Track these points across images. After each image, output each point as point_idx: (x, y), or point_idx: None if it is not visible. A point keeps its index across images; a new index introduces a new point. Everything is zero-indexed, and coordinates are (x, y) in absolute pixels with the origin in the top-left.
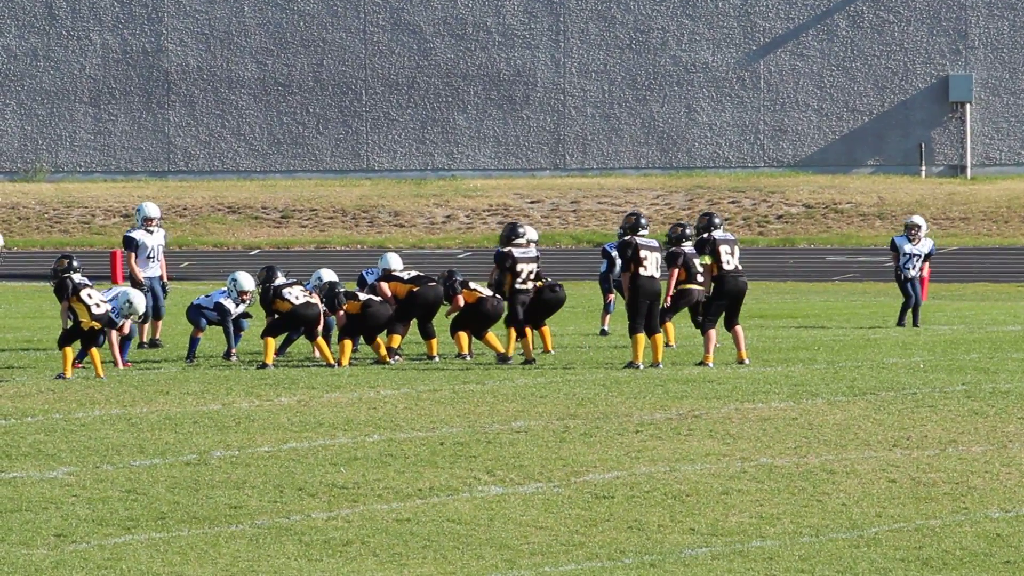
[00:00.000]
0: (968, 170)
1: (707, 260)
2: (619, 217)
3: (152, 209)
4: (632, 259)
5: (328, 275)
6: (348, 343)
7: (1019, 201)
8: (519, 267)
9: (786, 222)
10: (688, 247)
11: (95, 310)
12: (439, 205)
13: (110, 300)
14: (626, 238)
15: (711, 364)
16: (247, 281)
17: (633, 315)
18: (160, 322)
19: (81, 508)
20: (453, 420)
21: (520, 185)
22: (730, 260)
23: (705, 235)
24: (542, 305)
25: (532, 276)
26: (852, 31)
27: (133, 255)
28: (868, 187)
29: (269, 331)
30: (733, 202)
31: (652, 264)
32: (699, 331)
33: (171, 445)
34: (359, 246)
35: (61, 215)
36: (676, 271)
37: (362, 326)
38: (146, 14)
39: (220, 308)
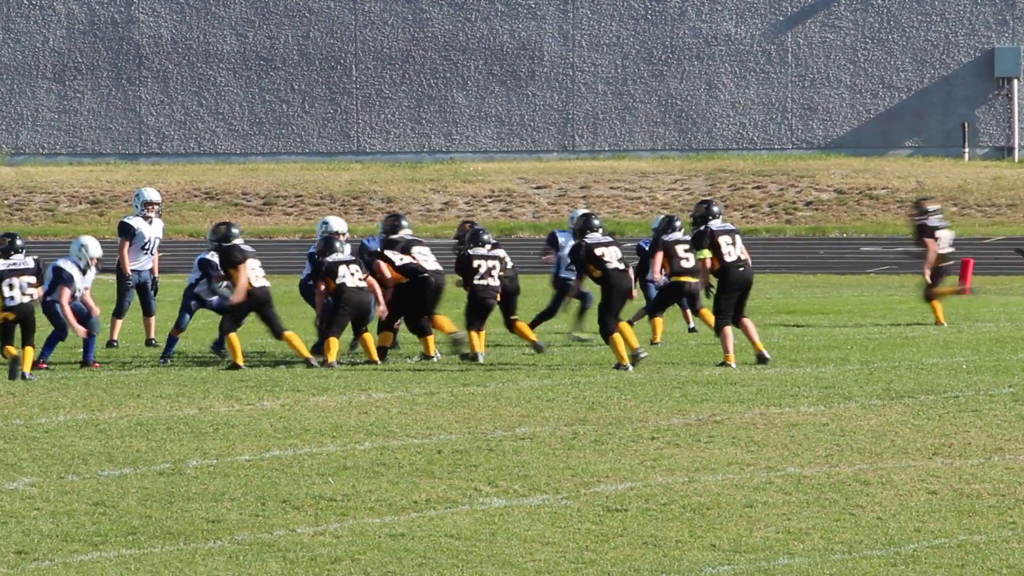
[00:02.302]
0: (1016, 152)
1: (706, 254)
2: (633, 204)
3: (153, 194)
4: (590, 261)
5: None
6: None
7: None
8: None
9: (816, 209)
10: (676, 236)
11: (8, 301)
12: (436, 191)
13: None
14: (576, 242)
15: (733, 364)
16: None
17: (606, 315)
18: (153, 319)
19: (44, 523)
20: (451, 426)
21: (525, 169)
22: (731, 251)
23: (702, 227)
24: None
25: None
26: (888, 0)
27: (127, 244)
28: (906, 171)
29: (329, 326)
30: (758, 187)
31: (613, 258)
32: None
33: (143, 453)
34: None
35: (22, 201)
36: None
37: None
38: None
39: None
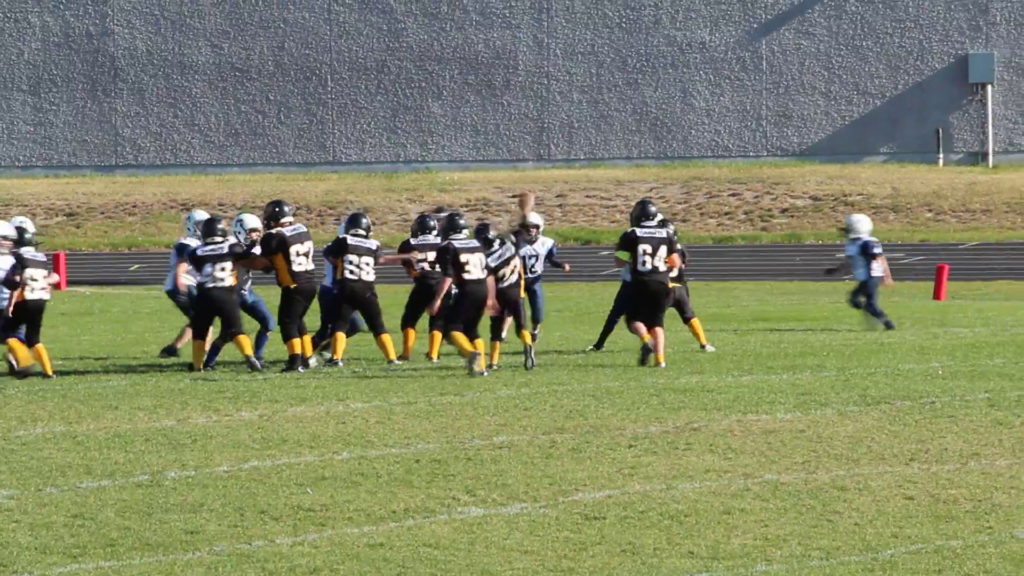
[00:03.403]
0: (990, 157)
1: (624, 256)
2: (609, 212)
3: (204, 216)
4: (453, 264)
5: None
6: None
7: None
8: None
9: (791, 216)
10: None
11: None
12: (412, 200)
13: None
14: (443, 244)
15: (662, 364)
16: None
17: (452, 319)
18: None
19: (23, 535)
20: (429, 435)
21: (501, 178)
22: (648, 261)
23: (629, 230)
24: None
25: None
26: (862, 6)
27: (183, 265)
28: (881, 177)
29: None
30: (733, 195)
31: (476, 267)
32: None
33: (121, 465)
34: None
35: None
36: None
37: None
38: None
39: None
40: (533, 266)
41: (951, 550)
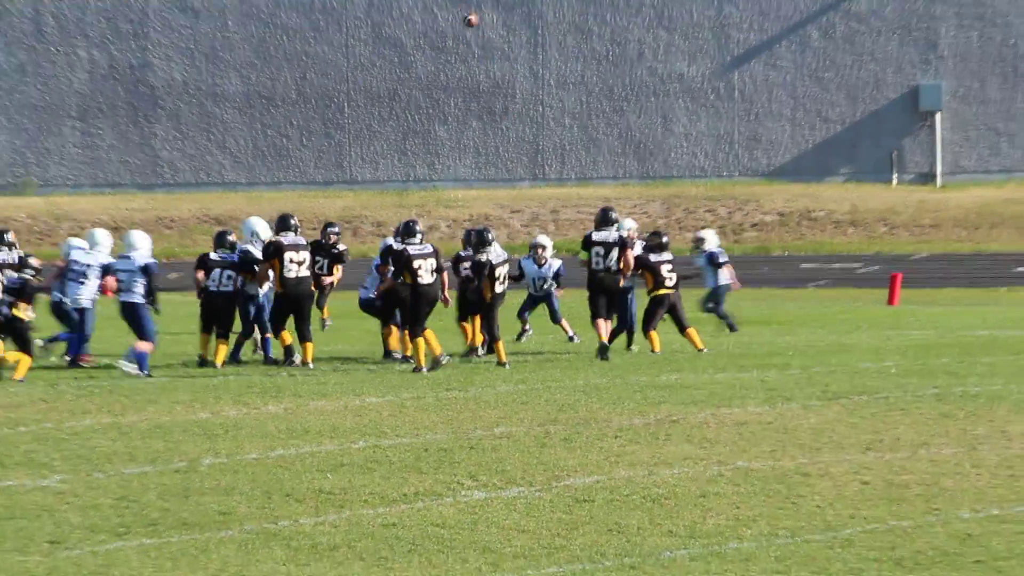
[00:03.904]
0: (938, 178)
1: (584, 256)
2: None
3: (261, 224)
4: (406, 268)
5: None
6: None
7: (988, 208)
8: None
9: (761, 230)
10: (662, 255)
11: None
12: (421, 215)
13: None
14: (397, 247)
15: (606, 342)
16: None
17: (413, 321)
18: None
19: (74, 515)
20: (437, 426)
21: (500, 195)
22: (599, 261)
23: (588, 233)
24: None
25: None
26: (824, 42)
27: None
28: (841, 195)
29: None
30: (709, 211)
31: (427, 271)
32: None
33: (161, 453)
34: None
35: (51, 228)
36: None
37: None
38: (132, 30)
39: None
40: (542, 287)
41: (903, 529)
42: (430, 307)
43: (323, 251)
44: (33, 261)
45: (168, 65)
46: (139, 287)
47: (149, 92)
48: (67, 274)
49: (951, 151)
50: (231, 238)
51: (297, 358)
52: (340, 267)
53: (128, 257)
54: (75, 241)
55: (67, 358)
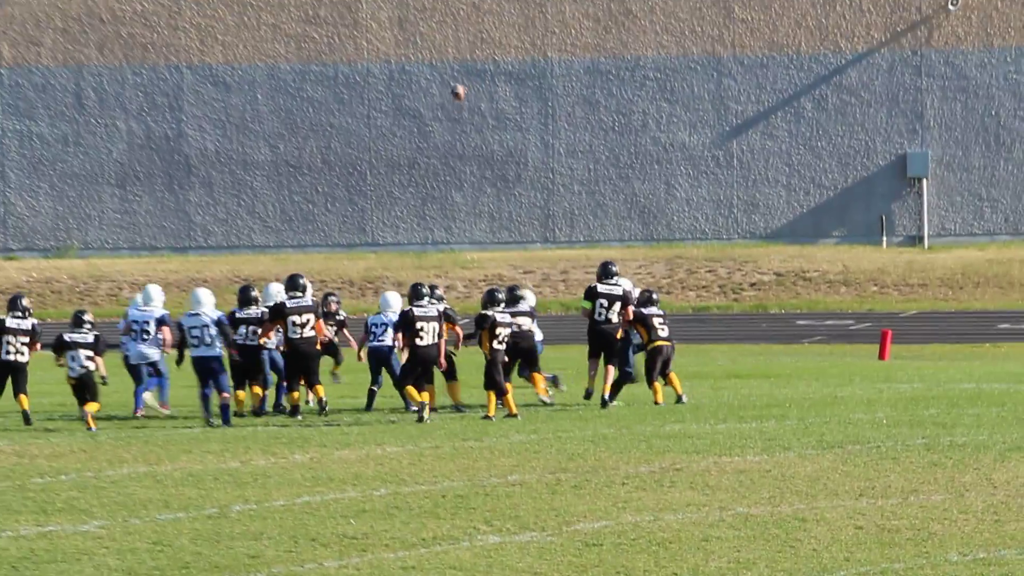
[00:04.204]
0: (925, 240)
1: (587, 305)
2: None
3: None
4: (409, 328)
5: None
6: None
7: (972, 269)
8: (497, 329)
9: (758, 289)
10: (652, 310)
11: (71, 373)
12: (439, 276)
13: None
14: (405, 310)
15: (592, 388)
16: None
17: (403, 375)
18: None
19: (111, 559)
20: (453, 474)
21: (513, 257)
22: (603, 313)
23: (591, 285)
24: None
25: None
26: (817, 113)
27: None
28: (834, 256)
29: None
30: (709, 271)
31: (428, 334)
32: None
33: (194, 500)
34: (365, 314)
35: (91, 288)
36: (638, 328)
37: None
38: (167, 102)
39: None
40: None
41: (895, 571)
42: (425, 367)
43: (327, 318)
44: (88, 317)
45: (201, 135)
46: (210, 340)
47: (183, 160)
48: (130, 332)
49: (937, 215)
50: (254, 294)
51: (311, 400)
52: (345, 330)
53: (197, 314)
54: (139, 298)
55: (162, 406)
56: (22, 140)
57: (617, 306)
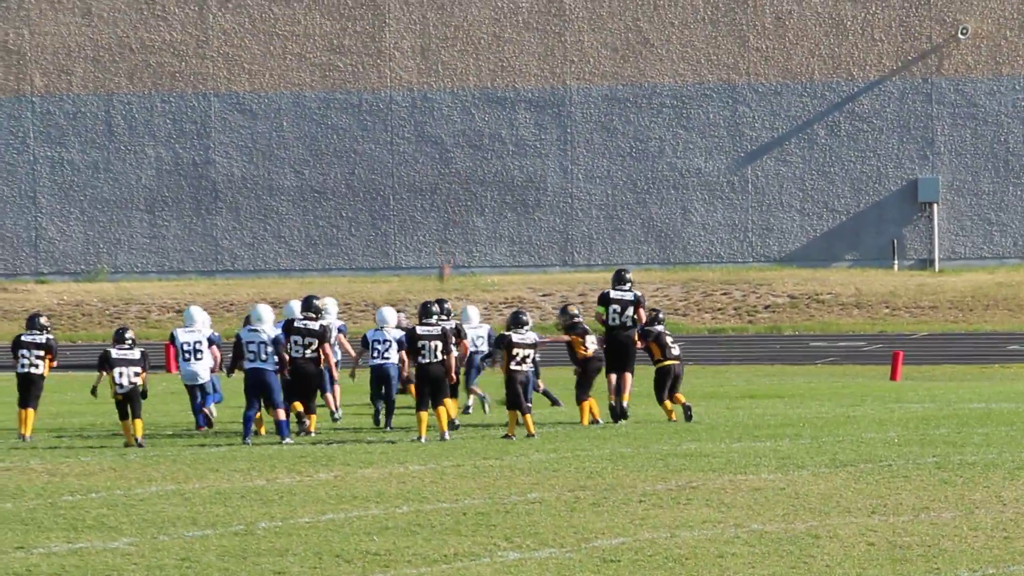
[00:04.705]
0: (936, 263)
1: (601, 310)
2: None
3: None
4: (411, 345)
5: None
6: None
7: (982, 291)
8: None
9: (773, 311)
10: (660, 328)
11: (119, 390)
12: (460, 299)
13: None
14: (410, 328)
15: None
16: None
17: (418, 399)
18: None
19: (140, 575)
20: (474, 492)
21: (533, 280)
22: (616, 318)
23: (604, 291)
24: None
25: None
26: (830, 139)
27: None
28: (846, 279)
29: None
30: (725, 293)
31: (429, 351)
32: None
33: (221, 517)
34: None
35: (120, 311)
36: (651, 346)
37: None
38: (195, 129)
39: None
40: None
41: None
42: (432, 384)
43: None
44: (129, 335)
45: (228, 162)
46: (266, 357)
47: (211, 186)
48: (180, 355)
49: (947, 239)
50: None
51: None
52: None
53: (256, 330)
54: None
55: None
56: (53, 167)
57: (630, 311)
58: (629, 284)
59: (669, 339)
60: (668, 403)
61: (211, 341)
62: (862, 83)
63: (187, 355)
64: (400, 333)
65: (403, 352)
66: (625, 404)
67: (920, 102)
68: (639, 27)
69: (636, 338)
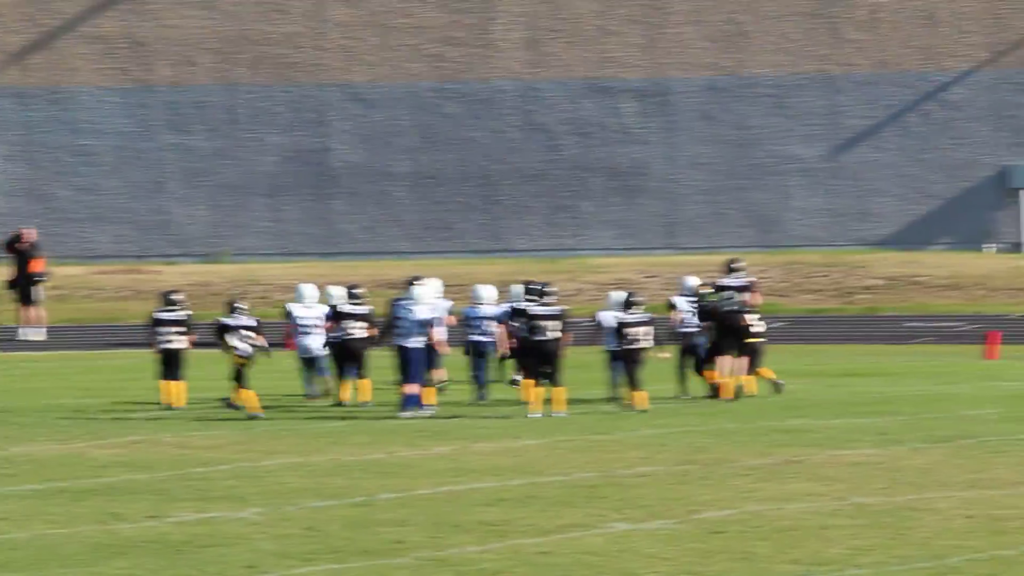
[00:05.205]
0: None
1: (715, 298)
2: None
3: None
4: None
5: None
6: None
7: None
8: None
9: (871, 293)
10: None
11: (241, 354)
12: (569, 280)
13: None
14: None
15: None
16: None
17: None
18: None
19: (267, 543)
20: (586, 466)
21: (638, 262)
22: (730, 304)
23: (718, 280)
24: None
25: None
26: (924, 127)
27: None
28: (941, 262)
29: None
30: (824, 275)
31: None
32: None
33: (343, 489)
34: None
35: (244, 292)
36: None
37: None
38: (314, 118)
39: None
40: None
41: (1004, 558)
42: (547, 362)
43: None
44: (242, 304)
45: (346, 149)
46: (415, 335)
47: (329, 172)
48: (296, 330)
49: None
50: (359, 291)
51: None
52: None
53: (410, 308)
54: (335, 291)
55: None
56: (180, 154)
57: (746, 295)
58: (743, 271)
59: (752, 317)
60: (753, 376)
61: (328, 317)
62: (954, 73)
63: (304, 330)
64: (497, 309)
65: (502, 327)
66: (740, 385)
67: (1011, 91)
68: (737, 20)
69: (744, 321)
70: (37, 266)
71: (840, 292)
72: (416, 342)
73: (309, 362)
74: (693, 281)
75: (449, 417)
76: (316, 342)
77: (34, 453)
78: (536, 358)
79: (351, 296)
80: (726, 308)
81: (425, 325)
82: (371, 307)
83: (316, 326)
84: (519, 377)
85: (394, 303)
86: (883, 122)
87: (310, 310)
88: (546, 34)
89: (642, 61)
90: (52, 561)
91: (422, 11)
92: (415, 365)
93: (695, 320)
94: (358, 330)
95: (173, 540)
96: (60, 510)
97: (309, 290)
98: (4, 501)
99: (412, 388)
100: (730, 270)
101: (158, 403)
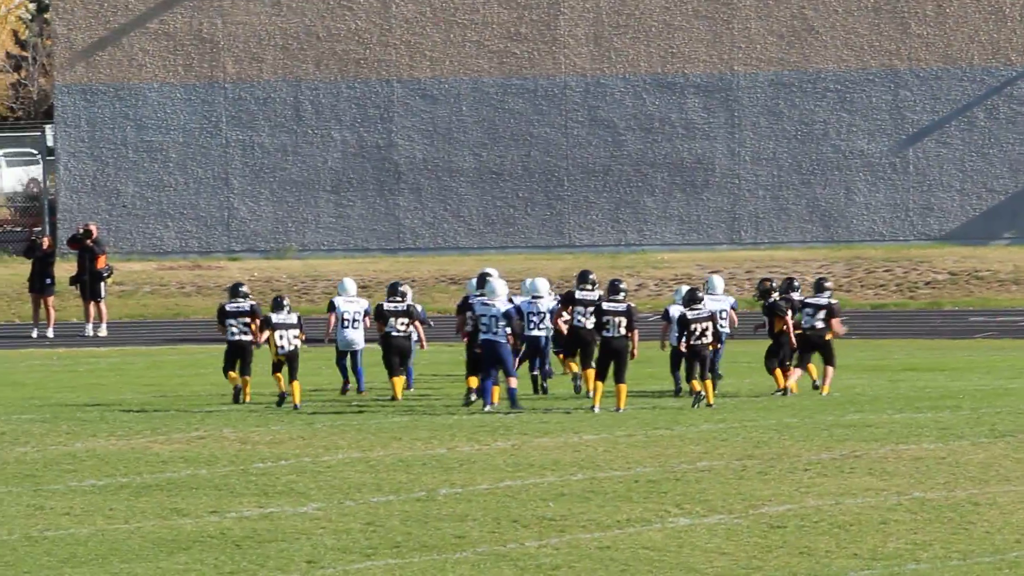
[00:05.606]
0: None
1: (798, 317)
2: None
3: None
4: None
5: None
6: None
7: None
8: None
9: (933, 287)
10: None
11: (280, 351)
12: (632, 275)
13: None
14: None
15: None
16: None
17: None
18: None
19: (328, 538)
20: (646, 461)
21: (701, 257)
22: (809, 321)
23: (803, 297)
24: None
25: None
26: (989, 122)
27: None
28: (1005, 257)
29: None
30: (887, 270)
31: (614, 326)
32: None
33: (404, 484)
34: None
35: (308, 287)
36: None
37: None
38: (379, 114)
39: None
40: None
41: None
42: (614, 358)
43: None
44: (286, 302)
45: (411, 145)
46: (497, 329)
47: (393, 168)
48: (339, 323)
49: None
50: (402, 288)
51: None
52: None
53: (490, 304)
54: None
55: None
56: (245, 150)
57: (822, 314)
58: (828, 292)
59: (812, 311)
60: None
61: (367, 312)
62: (1021, 68)
63: (347, 323)
64: (554, 304)
65: (557, 320)
66: (824, 395)
67: None
68: (804, 15)
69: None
70: (101, 262)
71: (903, 287)
72: (501, 336)
73: (351, 356)
74: (718, 281)
75: (509, 412)
76: (357, 336)
77: (96, 449)
78: (604, 354)
79: (392, 294)
80: (807, 326)
81: (506, 317)
82: (420, 305)
83: (356, 320)
84: (576, 370)
85: (468, 300)
86: (948, 117)
87: (352, 304)
88: (612, 30)
89: (707, 56)
90: (113, 556)
91: (487, 6)
92: (508, 358)
93: (724, 328)
94: (401, 327)
95: (234, 535)
96: (122, 505)
97: (351, 284)
98: (67, 496)
99: (512, 382)
100: (819, 289)
101: (223, 395)
